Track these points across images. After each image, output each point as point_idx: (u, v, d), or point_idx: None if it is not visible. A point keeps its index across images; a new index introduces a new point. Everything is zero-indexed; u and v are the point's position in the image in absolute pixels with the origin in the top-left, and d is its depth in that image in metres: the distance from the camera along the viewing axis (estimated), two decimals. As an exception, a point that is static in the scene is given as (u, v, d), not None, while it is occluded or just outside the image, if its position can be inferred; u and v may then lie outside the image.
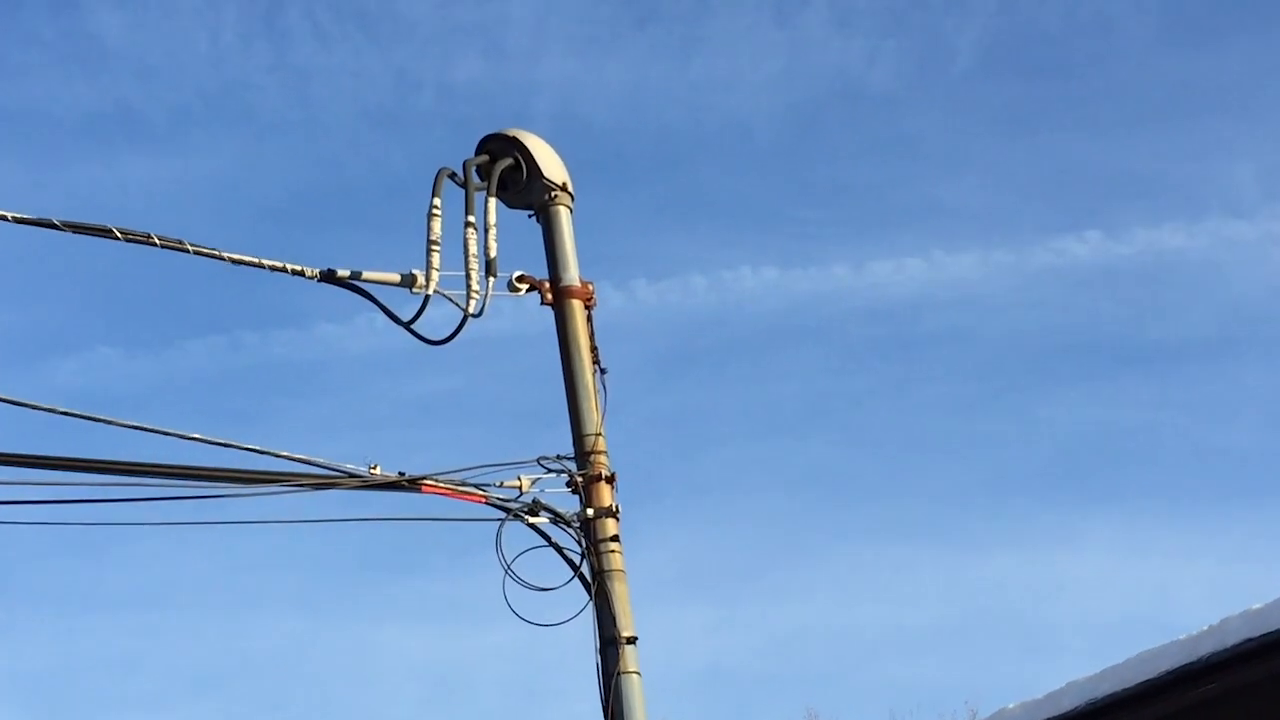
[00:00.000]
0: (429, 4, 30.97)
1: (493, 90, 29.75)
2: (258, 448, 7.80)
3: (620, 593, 7.94)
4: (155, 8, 30.83)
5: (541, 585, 7.90)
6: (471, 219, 8.45)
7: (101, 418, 7.59)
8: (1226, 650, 7.76)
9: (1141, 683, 8.12)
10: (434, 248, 8.36)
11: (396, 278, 8.41)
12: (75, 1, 31.12)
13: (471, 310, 8.33)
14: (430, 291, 8.34)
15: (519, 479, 8.10)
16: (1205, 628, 8.00)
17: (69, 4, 31.17)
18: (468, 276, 8.36)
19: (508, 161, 8.69)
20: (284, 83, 31.71)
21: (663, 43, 31.29)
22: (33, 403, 7.43)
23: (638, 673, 7.83)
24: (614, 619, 7.87)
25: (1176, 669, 7.95)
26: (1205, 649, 7.87)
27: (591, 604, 7.93)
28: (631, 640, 7.87)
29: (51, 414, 7.49)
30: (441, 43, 31.38)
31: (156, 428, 7.69)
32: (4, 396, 7.37)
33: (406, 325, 8.40)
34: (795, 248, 31.28)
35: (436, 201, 8.42)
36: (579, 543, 8.04)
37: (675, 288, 28.35)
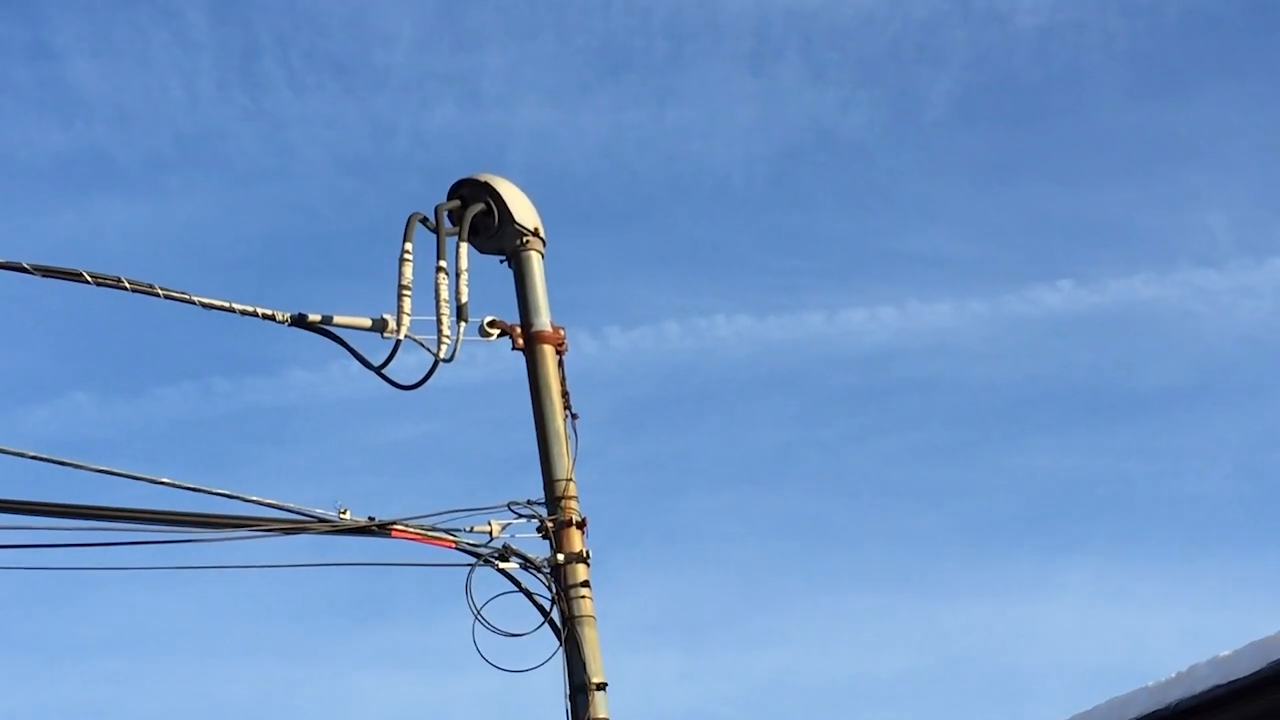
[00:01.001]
0: (404, 53, 30.99)
1: (467, 138, 29.75)
2: (228, 492, 7.78)
3: (590, 638, 7.90)
4: (131, 56, 30.79)
5: (512, 631, 7.86)
6: (443, 264, 8.43)
7: (72, 462, 7.55)
8: (1195, 697, 7.75)
9: (1111, 729, 8.12)
10: (405, 292, 8.34)
11: (368, 322, 8.39)
12: (50, 49, 31.05)
13: (442, 355, 8.31)
14: (401, 336, 8.31)
15: (489, 524, 8.06)
16: (1174, 674, 8.00)
17: (44, 51, 31.11)
18: (439, 321, 8.34)
19: (479, 206, 8.68)
20: (259, 130, 31.66)
21: (637, 92, 31.33)
22: (2, 447, 7.40)
23: (608, 719, 7.79)
24: (584, 665, 7.82)
25: (1145, 716, 7.94)
26: (1174, 696, 7.87)
27: (562, 650, 7.89)
28: (601, 686, 7.82)
29: (22, 458, 7.46)
30: (416, 91, 31.36)
31: (127, 472, 7.67)
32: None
33: (377, 370, 8.38)
34: (769, 296, 31.22)
35: (408, 246, 8.40)
36: (549, 588, 8.00)
37: (649, 335, 28.32)
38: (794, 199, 32.36)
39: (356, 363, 8.42)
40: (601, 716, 7.77)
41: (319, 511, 7.91)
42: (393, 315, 8.35)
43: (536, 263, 8.74)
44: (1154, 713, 7.91)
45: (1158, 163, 31.32)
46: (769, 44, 30.89)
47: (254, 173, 31.80)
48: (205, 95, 31.32)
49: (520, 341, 8.55)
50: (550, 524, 8.10)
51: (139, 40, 30.93)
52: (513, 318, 8.63)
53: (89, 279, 7.79)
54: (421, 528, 8.00)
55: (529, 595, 8.01)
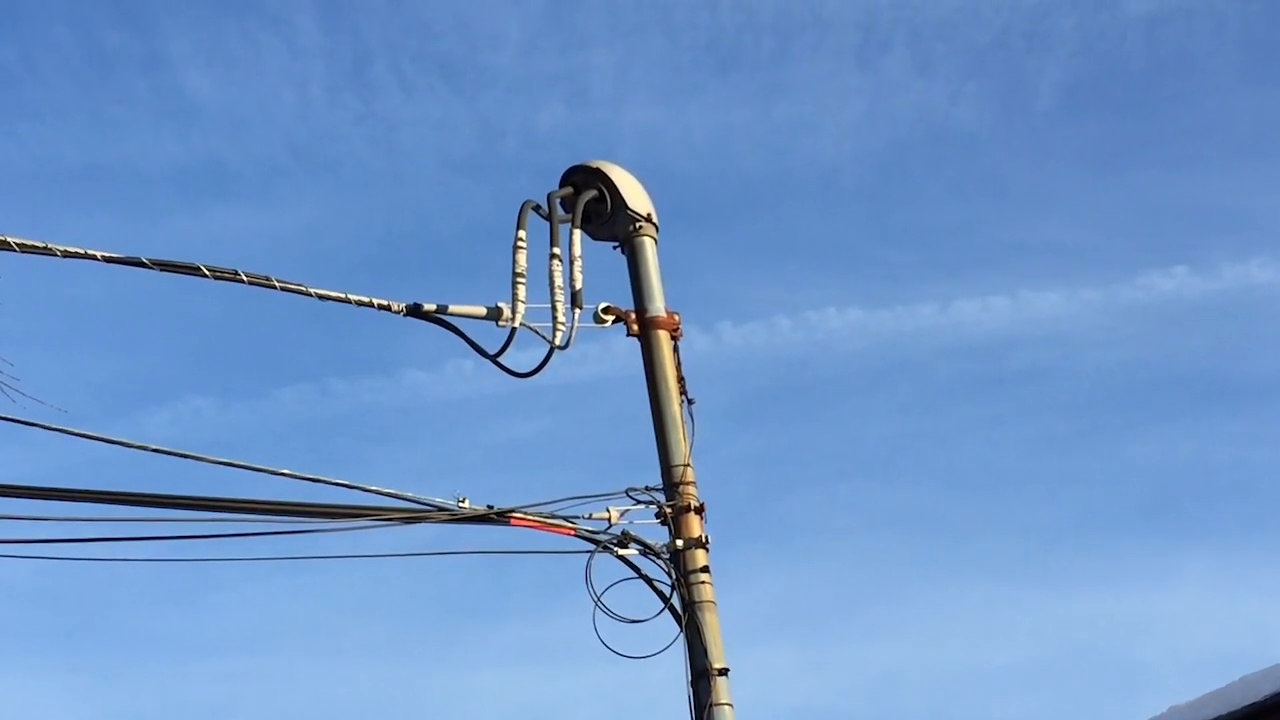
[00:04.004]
0: (512, 54, 31.15)
1: (576, 137, 29.88)
2: (346, 483, 7.77)
3: (711, 624, 7.83)
4: (244, 64, 31.16)
5: (632, 618, 7.81)
6: (557, 251, 8.40)
7: (190, 454, 7.60)
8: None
9: (1246, 706, 7.97)
10: (519, 280, 8.31)
11: (482, 311, 8.37)
12: (166, 60, 31.46)
13: (558, 342, 8.28)
14: (517, 324, 8.28)
15: (607, 511, 8.00)
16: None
17: (160, 62, 31.52)
18: (553, 308, 8.30)
19: (592, 193, 8.65)
20: (370, 134, 31.96)
21: (744, 88, 31.28)
22: (123, 440, 7.46)
23: (730, 705, 7.70)
24: (705, 650, 7.75)
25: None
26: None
27: (682, 635, 7.83)
28: (724, 672, 7.74)
29: (143, 451, 7.51)
30: (525, 92, 31.50)
31: (245, 464, 7.70)
32: (95, 434, 7.41)
33: (493, 358, 8.37)
34: (880, 288, 31.14)
35: (521, 234, 8.38)
36: (669, 574, 7.94)
37: (760, 330, 28.26)
38: (903, 192, 32.22)
39: (471, 361, 8.48)
40: (724, 701, 7.68)
41: (438, 500, 7.90)
42: (507, 304, 8.33)
43: (650, 248, 8.69)
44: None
45: (1272, 146, 30.87)
46: (875, 37, 30.76)
47: (366, 176, 32.09)
48: (317, 101, 31.65)
49: (635, 327, 8.50)
50: (669, 509, 8.04)
51: (251, 49, 31.29)
52: (627, 304, 8.59)
53: (206, 272, 7.83)
54: (540, 515, 7.96)
55: (649, 581, 7.95)
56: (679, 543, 7.97)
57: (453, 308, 8.41)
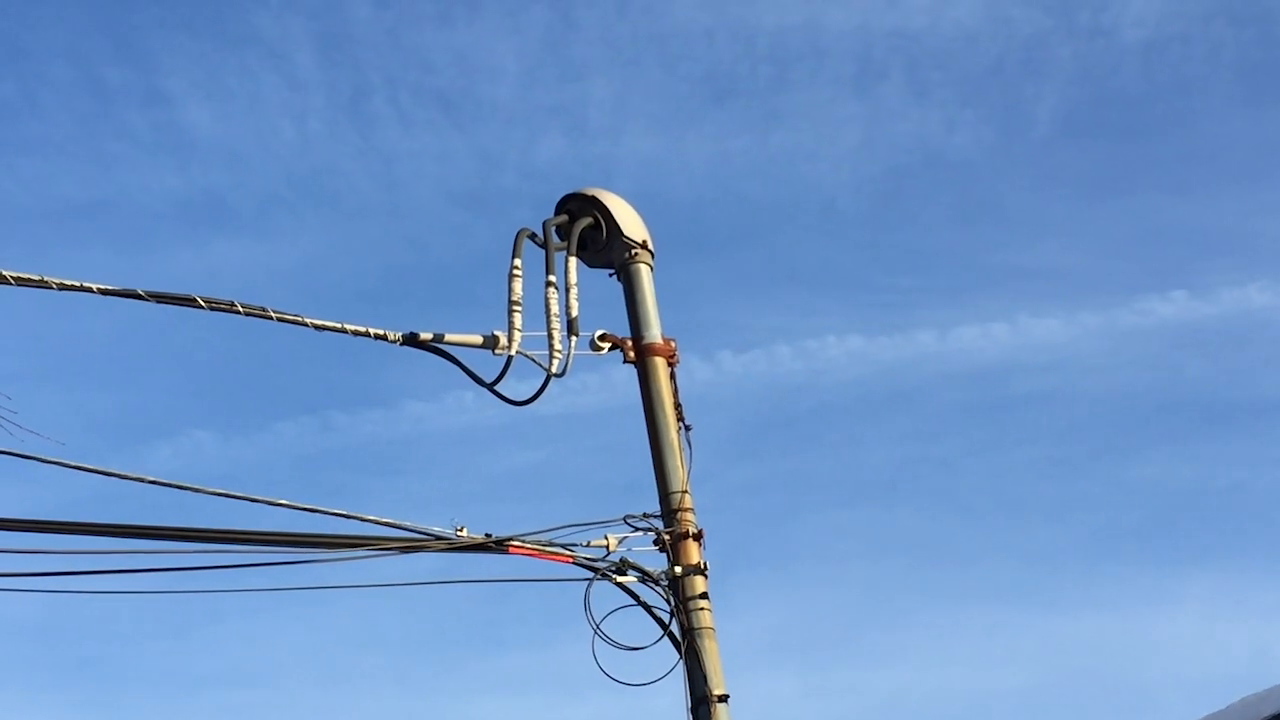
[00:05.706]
0: (510, 87, 31.23)
1: (575, 168, 29.97)
2: (344, 512, 7.78)
3: (711, 650, 7.82)
4: (243, 98, 31.24)
5: (631, 645, 7.80)
6: (552, 279, 8.41)
7: (189, 486, 7.61)
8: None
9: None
10: (515, 308, 8.32)
11: (479, 339, 8.38)
12: (165, 95, 31.54)
13: (554, 370, 8.28)
14: (513, 352, 8.28)
15: (606, 538, 8.00)
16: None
17: (159, 97, 31.62)
18: (550, 336, 8.31)
19: (587, 220, 8.67)
20: (369, 167, 32.04)
21: (742, 117, 31.36)
22: (124, 473, 7.47)
23: (730, 731, 7.71)
24: (705, 677, 7.74)
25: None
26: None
27: (682, 662, 7.82)
28: (724, 698, 7.72)
29: (143, 484, 7.52)
30: (523, 124, 31.57)
31: (244, 495, 7.71)
32: (95, 468, 7.43)
33: (489, 386, 8.37)
34: (880, 315, 31.16)
35: (517, 262, 8.39)
36: (668, 601, 7.93)
37: (760, 358, 28.33)
38: (901, 218, 32.27)
39: (471, 392, 8.45)
40: (724, 728, 7.68)
41: (436, 529, 7.89)
42: (504, 332, 8.34)
43: (646, 275, 8.70)
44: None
45: (1270, 170, 30.93)
46: (872, 66, 30.85)
47: (365, 209, 32.15)
48: (316, 135, 31.74)
49: (631, 354, 8.50)
50: (667, 536, 8.03)
51: (250, 84, 31.39)
52: (623, 332, 8.59)
53: (202, 304, 7.84)
54: (538, 543, 7.96)
55: (647, 608, 7.93)
56: (678, 569, 7.96)
57: (449, 336, 8.42)
